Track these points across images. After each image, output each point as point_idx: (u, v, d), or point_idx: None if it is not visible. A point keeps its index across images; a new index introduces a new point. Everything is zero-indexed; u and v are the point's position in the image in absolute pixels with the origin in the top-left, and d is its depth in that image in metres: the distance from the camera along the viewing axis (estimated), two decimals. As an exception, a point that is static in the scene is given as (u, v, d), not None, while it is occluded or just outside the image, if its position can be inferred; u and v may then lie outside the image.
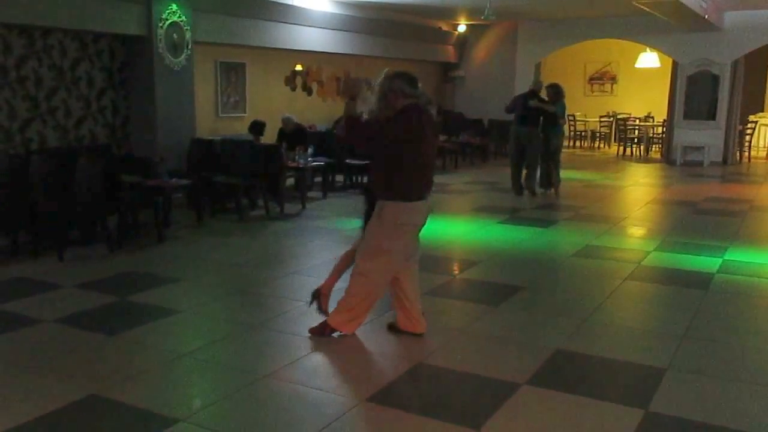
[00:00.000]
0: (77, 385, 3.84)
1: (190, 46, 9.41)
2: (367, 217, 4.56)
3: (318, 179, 10.92)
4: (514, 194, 10.80)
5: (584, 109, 18.50)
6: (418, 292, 4.64)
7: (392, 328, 4.74)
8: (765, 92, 17.53)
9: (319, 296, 4.78)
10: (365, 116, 4.30)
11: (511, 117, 11.09)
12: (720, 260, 6.73)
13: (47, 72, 8.37)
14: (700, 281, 6.03)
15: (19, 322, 4.89)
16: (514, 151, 10.87)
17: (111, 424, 3.48)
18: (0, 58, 7.85)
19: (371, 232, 4.36)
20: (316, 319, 4.84)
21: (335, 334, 4.59)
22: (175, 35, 9.15)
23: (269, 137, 10.54)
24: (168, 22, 9.01)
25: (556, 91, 10.72)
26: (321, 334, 4.58)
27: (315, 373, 4.14)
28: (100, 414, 3.57)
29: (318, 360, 4.31)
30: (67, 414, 3.54)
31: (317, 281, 5.90)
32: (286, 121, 10.71)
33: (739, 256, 6.95)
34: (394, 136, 4.13)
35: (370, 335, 4.76)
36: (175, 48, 9.19)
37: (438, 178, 12.44)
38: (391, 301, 4.71)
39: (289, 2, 11.16)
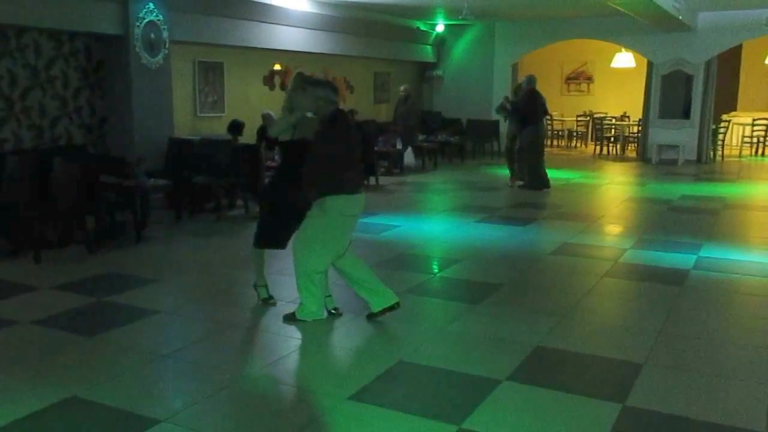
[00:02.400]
0: (57, 387, 3.80)
1: (167, 46, 9.34)
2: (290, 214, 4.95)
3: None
4: (542, 189, 11.10)
5: (561, 109, 18.67)
6: (369, 268, 5.02)
7: (372, 316, 4.89)
8: (738, 91, 17.84)
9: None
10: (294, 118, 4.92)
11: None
12: (695, 257, 6.85)
13: (22, 71, 8.26)
14: (675, 278, 6.12)
15: (-4, 324, 4.83)
16: (542, 148, 11.41)
17: (92, 426, 3.46)
18: (-27, 57, 7.75)
19: (314, 224, 4.70)
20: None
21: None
22: (152, 34, 9.08)
23: (248, 137, 10.50)
24: (145, 21, 8.94)
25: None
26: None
27: (296, 371, 4.15)
28: (81, 415, 3.54)
29: (299, 359, 4.32)
30: (47, 416, 3.51)
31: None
32: (266, 117, 10.68)
33: (713, 252, 7.07)
34: (334, 147, 4.66)
35: (351, 334, 4.78)
36: (152, 47, 9.13)
37: (416, 178, 12.60)
38: (356, 295, 4.98)
39: (268, 1, 11.12)
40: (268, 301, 5.29)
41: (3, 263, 6.45)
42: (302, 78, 5.09)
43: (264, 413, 3.62)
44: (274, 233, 5.12)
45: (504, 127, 16.31)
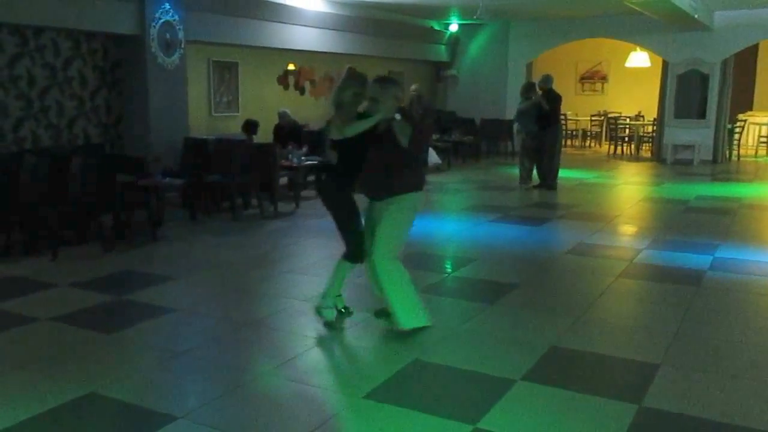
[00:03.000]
0: (75, 383, 3.85)
1: (183, 45, 9.40)
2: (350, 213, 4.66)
3: (311, 178, 10.94)
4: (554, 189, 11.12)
5: (575, 108, 18.60)
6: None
7: (381, 313, 4.82)
8: (754, 91, 17.67)
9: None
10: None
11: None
12: (711, 258, 6.80)
13: (40, 71, 8.34)
14: (691, 278, 6.09)
15: (15, 321, 4.89)
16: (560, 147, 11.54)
17: (110, 422, 3.50)
18: (-8, 58, 7.83)
19: (396, 223, 4.54)
20: (313, 315, 4.88)
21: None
22: (168, 34, 9.14)
23: (263, 135, 10.55)
24: (161, 21, 9.00)
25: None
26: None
27: (312, 370, 4.16)
28: (99, 412, 3.58)
29: (314, 357, 4.34)
30: (66, 412, 3.55)
31: (312, 279, 5.96)
32: (282, 115, 10.72)
33: (730, 253, 7.01)
34: (417, 143, 4.52)
35: (366, 333, 4.79)
36: (168, 47, 9.19)
37: (431, 177, 12.57)
38: (373, 291, 4.85)
39: (282, 1, 11.16)
40: (338, 322, 4.88)
41: (21, 261, 6.52)
42: (357, 75, 4.73)
43: (279, 411, 3.64)
44: (358, 247, 4.70)
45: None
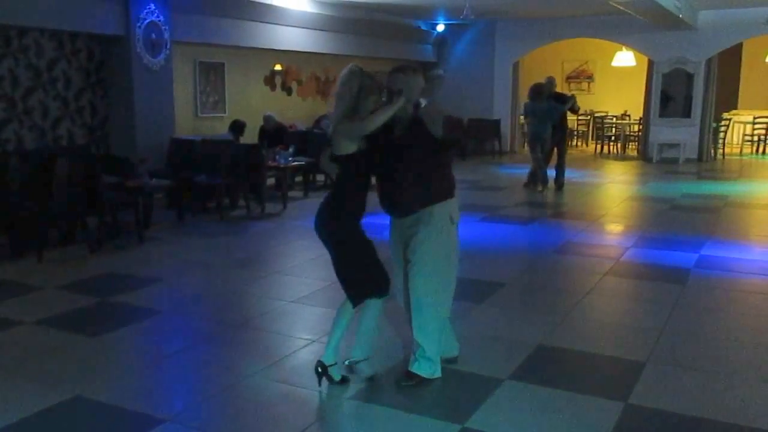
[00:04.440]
0: (61, 387, 3.82)
1: (168, 46, 9.35)
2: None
3: (299, 179, 10.92)
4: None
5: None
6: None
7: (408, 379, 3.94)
8: (738, 90, 17.82)
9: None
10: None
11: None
12: (696, 255, 6.85)
13: (24, 72, 8.27)
14: (677, 276, 6.13)
15: (0, 324, 4.84)
16: None
17: (96, 425, 3.48)
18: (-25, 58, 7.76)
19: (432, 241, 3.75)
20: (301, 316, 4.87)
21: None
22: (153, 35, 9.09)
23: (250, 137, 10.52)
24: (146, 22, 8.95)
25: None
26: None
27: (299, 371, 4.15)
28: (86, 415, 3.56)
29: (302, 359, 4.33)
30: (52, 415, 3.52)
31: (299, 280, 5.94)
32: (267, 119, 10.71)
33: (715, 251, 7.07)
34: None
35: (353, 334, 4.78)
36: (154, 48, 9.14)
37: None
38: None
39: (268, 2, 11.12)
40: (375, 378, 3.96)
41: (6, 263, 6.46)
42: (369, 74, 3.74)
43: (266, 413, 3.63)
44: (382, 277, 3.83)
45: (504, 127, 16.42)
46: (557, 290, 5.88)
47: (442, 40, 16.97)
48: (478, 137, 16.32)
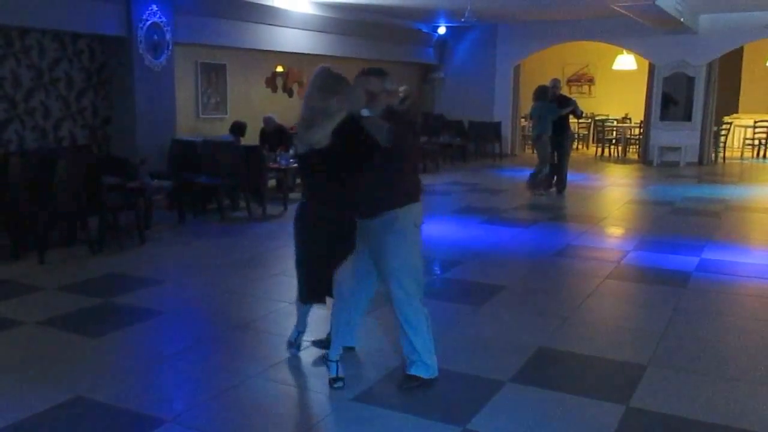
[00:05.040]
0: (63, 387, 3.82)
1: (170, 47, 9.36)
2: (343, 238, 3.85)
3: (299, 180, 10.91)
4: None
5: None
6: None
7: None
8: (739, 93, 17.84)
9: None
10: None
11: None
12: (697, 259, 6.85)
13: (26, 72, 8.28)
14: (678, 280, 6.13)
15: (1, 324, 4.84)
16: None
17: (98, 426, 3.47)
18: (-23, 59, 7.77)
19: (401, 249, 3.82)
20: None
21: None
22: (155, 36, 9.10)
23: (250, 138, 10.52)
24: (148, 23, 8.96)
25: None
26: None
27: (300, 373, 4.15)
28: (87, 415, 3.55)
29: (303, 360, 4.32)
30: (53, 415, 3.52)
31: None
32: (267, 120, 10.71)
33: (716, 254, 7.07)
34: (407, 145, 3.85)
35: (355, 335, 4.78)
36: (156, 49, 9.15)
37: (419, 179, 12.57)
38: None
39: (270, 3, 11.14)
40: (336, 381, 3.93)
41: (7, 264, 6.47)
42: (337, 74, 3.81)
43: (268, 414, 3.63)
44: (325, 278, 3.88)
45: (505, 129, 16.43)
46: (558, 293, 5.88)
47: (443, 43, 16.99)
48: (479, 140, 16.33)
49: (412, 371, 3.89)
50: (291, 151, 9.81)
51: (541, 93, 10.70)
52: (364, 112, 3.62)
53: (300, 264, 3.92)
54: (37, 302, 5.39)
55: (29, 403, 3.63)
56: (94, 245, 7.00)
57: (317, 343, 4.40)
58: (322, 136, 3.66)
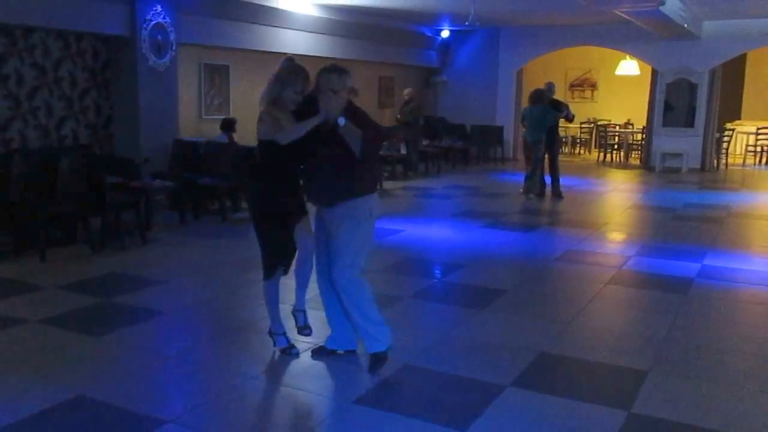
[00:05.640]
0: (64, 386, 3.81)
1: (174, 48, 9.37)
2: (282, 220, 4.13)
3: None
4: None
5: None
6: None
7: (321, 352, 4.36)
8: (742, 100, 17.84)
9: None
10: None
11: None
12: (699, 265, 6.84)
13: (29, 71, 8.29)
14: (679, 286, 6.12)
15: (2, 322, 4.84)
16: None
17: (99, 425, 3.47)
18: (-19, 57, 7.78)
19: (352, 234, 3.99)
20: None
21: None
22: (159, 36, 9.10)
23: (249, 137, 10.49)
24: (152, 23, 8.97)
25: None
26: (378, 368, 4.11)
27: (301, 375, 4.15)
28: (88, 415, 3.55)
29: (304, 362, 4.32)
30: (55, 415, 3.52)
31: (309, 284, 5.92)
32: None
33: (717, 261, 7.06)
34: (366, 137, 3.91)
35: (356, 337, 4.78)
36: (159, 49, 9.15)
37: (421, 182, 12.60)
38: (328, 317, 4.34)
39: (274, 5, 11.16)
40: (289, 350, 4.34)
41: (9, 262, 6.46)
42: (299, 70, 4.07)
43: (269, 416, 3.63)
44: (289, 249, 4.24)
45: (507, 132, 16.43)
46: (559, 298, 5.87)
47: (446, 46, 17.01)
48: (482, 144, 16.33)
49: (369, 349, 4.10)
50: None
51: (538, 96, 10.73)
52: (341, 121, 3.76)
53: (263, 237, 4.17)
54: (38, 301, 5.39)
55: (32, 401, 3.63)
56: (96, 245, 7.00)
57: (317, 353, 4.36)
58: (294, 136, 3.87)
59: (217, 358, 4.37)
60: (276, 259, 4.21)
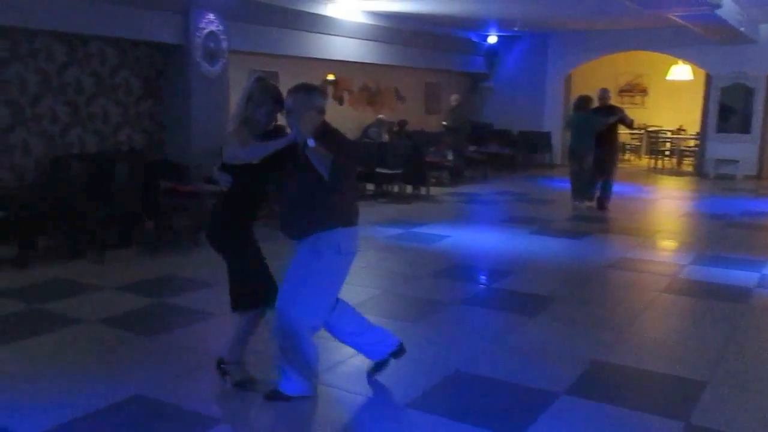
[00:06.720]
0: (121, 385, 3.90)
1: (226, 55, 9.54)
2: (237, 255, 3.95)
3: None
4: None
5: (614, 121, 18.34)
6: (364, 319, 4.05)
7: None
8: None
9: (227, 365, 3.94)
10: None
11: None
12: (758, 275, 6.63)
13: (87, 79, 8.54)
14: (738, 295, 5.95)
15: (62, 321, 4.99)
16: None
17: (156, 424, 3.54)
18: (43, 65, 8.03)
19: (305, 270, 3.71)
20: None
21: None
22: (211, 44, 9.27)
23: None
24: (205, 32, 9.14)
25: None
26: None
27: (353, 378, 4.15)
28: (145, 414, 3.62)
29: (356, 365, 4.32)
30: (112, 413, 3.60)
31: (350, 288, 5.94)
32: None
33: (777, 270, 6.85)
34: (337, 166, 3.54)
35: (408, 342, 4.76)
36: (212, 57, 9.32)
37: (467, 188, 12.53)
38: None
39: (322, 12, 11.27)
40: (247, 385, 3.91)
41: (68, 263, 6.65)
42: (271, 89, 3.82)
43: (321, 417, 3.65)
44: (269, 284, 4.01)
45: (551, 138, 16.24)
46: (612, 306, 5.76)
47: (493, 52, 16.91)
48: (528, 150, 16.16)
49: (282, 388, 3.72)
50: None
51: (581, 103, 10.38)
52: (310, 143, 3.43)
53: (248, 277, 3.97)
54: (95, 301, 5.53)
55: (90, 399, 3.72)
56: (150, 247, 7.15)
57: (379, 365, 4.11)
58: (259, 154, 3.60)
59: (270, 358, 4.41)
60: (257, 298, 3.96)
